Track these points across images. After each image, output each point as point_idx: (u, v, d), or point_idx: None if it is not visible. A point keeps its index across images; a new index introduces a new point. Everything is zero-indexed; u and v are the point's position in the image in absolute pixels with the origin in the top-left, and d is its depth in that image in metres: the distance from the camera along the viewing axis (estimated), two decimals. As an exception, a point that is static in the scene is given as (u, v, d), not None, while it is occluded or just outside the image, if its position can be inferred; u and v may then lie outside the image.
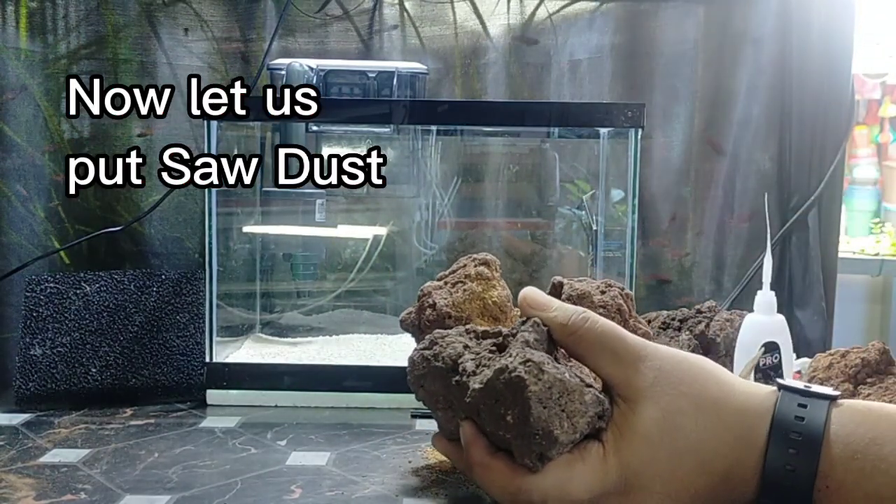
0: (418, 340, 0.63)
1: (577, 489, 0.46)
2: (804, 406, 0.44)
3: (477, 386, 0.48)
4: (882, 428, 0.43)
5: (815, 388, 0.46)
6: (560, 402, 0.46)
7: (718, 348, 0.83)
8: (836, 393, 0.45)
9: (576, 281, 0.62)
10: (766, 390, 0.47)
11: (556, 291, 0.63)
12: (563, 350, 0.52)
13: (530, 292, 0.53)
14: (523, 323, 0.52)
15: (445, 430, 0.55)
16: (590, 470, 0.46)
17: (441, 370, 0.51)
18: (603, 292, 0.61)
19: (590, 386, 0.48)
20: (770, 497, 0.44)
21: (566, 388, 0.47)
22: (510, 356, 0.48)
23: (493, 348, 0.52)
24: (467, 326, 0.55)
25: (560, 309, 0.51)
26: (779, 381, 0.47)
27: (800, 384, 0.46)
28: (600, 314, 0.57)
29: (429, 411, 0.55)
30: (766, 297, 0.76)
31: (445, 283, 0.66)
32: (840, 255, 1.20)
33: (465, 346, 0.52)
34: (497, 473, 0.49)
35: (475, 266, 0.65)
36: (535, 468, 0.47)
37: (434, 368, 0.52)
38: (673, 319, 0.86)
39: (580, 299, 0.61)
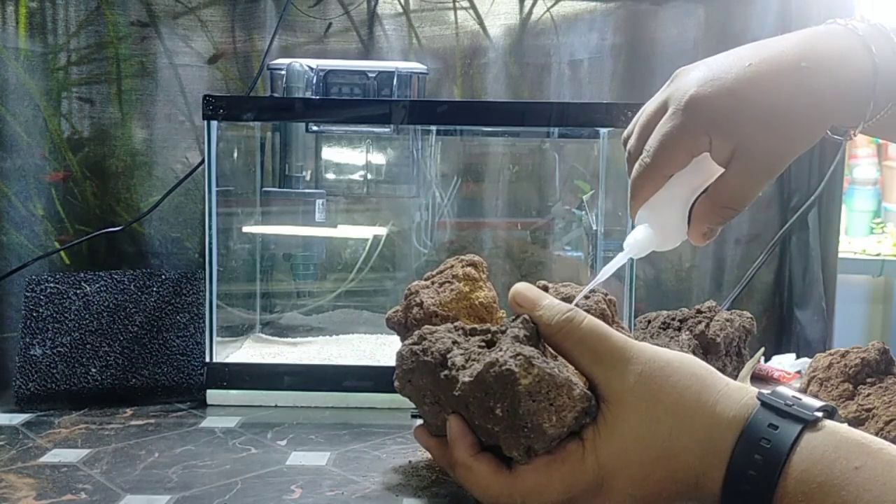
0: (404, 339, 0.63)
1: (556, 491, 0.47)
2: (775, 427, 0.43)
3: (467, 379, 0.48)
4: (836, 470, 0.41)
5: (802, 400, 0.45)
6: (549, 396, 0.47)
7: (718, 348, 0.83)
8: (817, 415, 0.44)
9: (560, 285, 0.63)
10: (745, 401, 0.46)
11: None
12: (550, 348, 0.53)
13: (520, 289, 0.53)
14: (513, 320, 0.52)
15: (431, 425, 0.55)
16: (568, 471, 0.47)
17: (430, 364, 0.52)
18: (587, 297, 0.61)
19: (576, 383, 0.48)
20: None
21: (555, 382, 0.47)
22: (500, 350, 0.49)
23: (483, 344, 0.52)
24: (456, 324, 0.55)
25: (547, 308, 0.51)
26: (762, 392, 0.46)
27: (786, 395, 0.45)
28: None
29: None
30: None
31: (433, 283, 0.66)
32: (841, 255, 1.20)
33: (454, 342, 0.52)
34: (478, 475, 0.49)
35: (462, 267, 0.66)
36: (522, 461, 0.48)
37: (422, 363, 0.52)
38: (673, 319, 0.86)
39: None
